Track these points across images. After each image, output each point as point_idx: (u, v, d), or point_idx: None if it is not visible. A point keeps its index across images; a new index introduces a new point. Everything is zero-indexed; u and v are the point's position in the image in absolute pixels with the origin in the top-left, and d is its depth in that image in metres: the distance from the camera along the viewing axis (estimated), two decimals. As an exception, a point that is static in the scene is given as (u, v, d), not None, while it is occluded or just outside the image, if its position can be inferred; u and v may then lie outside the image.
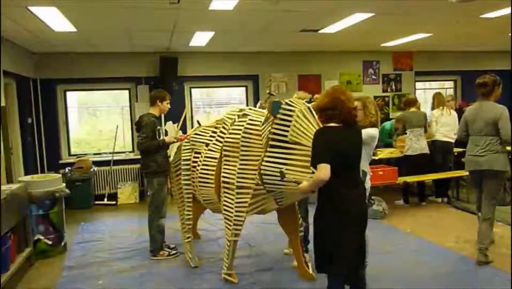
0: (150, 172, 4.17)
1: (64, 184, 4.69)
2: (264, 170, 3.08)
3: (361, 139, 2.66)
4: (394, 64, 8.52)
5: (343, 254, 2.50)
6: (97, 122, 7.98)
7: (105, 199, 7.00)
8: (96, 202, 6.93)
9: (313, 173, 2.80)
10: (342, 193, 2.48)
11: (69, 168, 6.82)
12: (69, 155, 7.29)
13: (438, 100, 6.20)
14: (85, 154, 7.32)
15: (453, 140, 6.09)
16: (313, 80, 8.06)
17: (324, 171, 2.39)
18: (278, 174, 2.97)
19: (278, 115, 3.03)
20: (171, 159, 4.43)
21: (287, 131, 2.99)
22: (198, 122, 4.32)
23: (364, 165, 2.93)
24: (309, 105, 3.14)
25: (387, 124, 7.02)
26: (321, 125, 2.82)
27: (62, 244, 4.60)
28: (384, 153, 6.12)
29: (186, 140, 4.08)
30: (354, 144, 2.59)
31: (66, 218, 4.80)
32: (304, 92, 3.72)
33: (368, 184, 3.10)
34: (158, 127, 4.26)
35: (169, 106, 4.33)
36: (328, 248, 2.53)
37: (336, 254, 2.51)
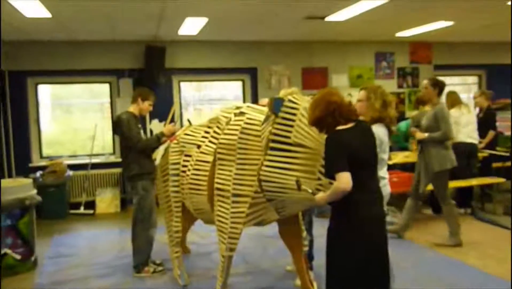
0: (133, 175, 4.18)
1: (35, 191, 4.68)
2: (264, 175, 3.09)
3: (373, 136, 2.70)
4: (411, 57, 8.55)
5: (363, 269, 2.52)
6: (73, 120, 7.96)
7: (82, 208, 6.99)
8: (72, 211, 6.91)
9: (319, 179, 2.83)
10: (359, 198, 2.51)
11: (41, 172, 6.80)
12: (41, 157, 7.26)
13: (452, 100, 6.24)
14: (59, 156, 7.30)
15: (477, 142, 6.12)
16: (319, 73, 8.08)
17: (344, 180, 2.43)
18: (280, 180, 2.97)
19: (280, 114, 3.04)
20: (157, 162, 4.42)
21: (290, 132, 3.00)
22: (188, 121, 4.32)
23: (379, 169, 2.95)
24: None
25: (403, 124, 7.02)
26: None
27: (33, 259, 4.59)
28: (399, 157, 6.13)
29: (175, 141, 4.08)
30: (368, 143, 2.64)
31: (37, 229, 4.79)
32: (295, 88, 3.74)
33: (386, 190, 3.11)
34: (139, 125, 4.27)
35: (151, 108, 4.35)
36: (345, 263, 2.55)
37: (354, 270, 2.53)
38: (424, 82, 4.91)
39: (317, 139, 2.89)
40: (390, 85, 8.41)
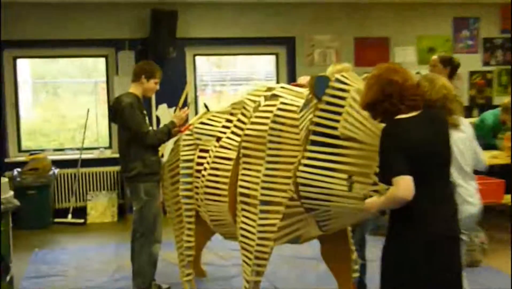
0: (133, 176, 4.23)
1: (11, 193, 4.77)
2: (302, 177, 3.08)
3: (447, 130, 2.67)
4: (502, 24, 8.36)
5: None
6: (60, 104, 8.10)
7: (70, 216, 7.13)
8: (57, 220, 7.07)
9: (375, 184, 2.80)
10: (426, 210, 2.49)
11: (19, 170, 6.96)
12: (19, 151, 7.44)
13: None
14: (42, 150, 7.46)
15: None
16: (377, 46, 7.99)
17: (404, 186, 2.40)
18: (323, 184, 2.96)
19: (324, 97, 3.02)
20: (164, 158, 4.46)
21: (338, 121, 2.98)
22: (205, 106, 4.36)
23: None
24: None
25: (488, 115, 6.86)
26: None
27: (8, 278, 4.68)
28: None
29: (187, 132, 4.11)
30: (440, 137, 2.61)
31: (14, 242, 4.89)
32: (346, 64, 3.69)
33: (470, 205, 3.05)
34: (144, 111, 4.31)
35: (157, 87, 4.37)
36: None
37: None
38: (433, 58, 5.03)
39: (373, 131, 2.86)
40: (473, 62, 8.25)
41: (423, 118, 2.55)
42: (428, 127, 2.55)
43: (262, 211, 3.33)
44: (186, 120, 4.24)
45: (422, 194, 2.42)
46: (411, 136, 2.48)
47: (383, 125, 2.74)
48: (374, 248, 3.96)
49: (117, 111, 4.26)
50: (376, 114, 2.63)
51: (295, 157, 3.17)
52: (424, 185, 2.44)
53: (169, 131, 4.23)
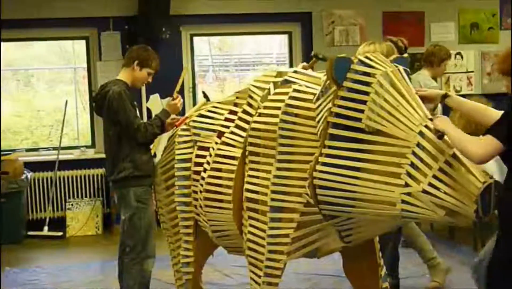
0: (122, 179, 4.25)
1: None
2: (320, 178, 3.08)
3: None
4: (561, -6, 8.31)
5: None
6: (33, 96, 8.11)
7: (46, 228, 7.17)
8: (31, 233, 7.11)
9: (406, 185, 2.79)
10: None
11: (-14, 174, 7.02)
12: (-14, 151, 7.51)
13: None
14: (12, 150, 7.51)
15: None
16: (409, 22, 7.96)
17: (483, 145, 2.51)
18: (345, 186, 2.96)
19: (346, 83, 3.02)
20: (157, 158, 4.48)
21: (362, 111, 2.97)
22: (204, 95, 4.36)
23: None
24: (400, 66, 3.11)
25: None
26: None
27: (-26, 302, 4.75)
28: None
29: (184, 126, 4.12)
30: None
31: (-19, 258, 4.96)
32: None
33: None
34: (134, 102, 4.33)
35: (149, 79, 4.37)
36: None
37: None
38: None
39: (405, 123, 2.86)
40: (525, 40, 8.21)
41: None
42: None
43: (272, 219, 3.34)
44: (183, 112, 4.24)
45: None
46: None
47: (417, 117, 2.74)
48: (409, 263, 3.98)
49: (103, 101, 4.26)
50: None
51: (311, 154, 3.17)
52: None
53: (163, 124, 4.22)
